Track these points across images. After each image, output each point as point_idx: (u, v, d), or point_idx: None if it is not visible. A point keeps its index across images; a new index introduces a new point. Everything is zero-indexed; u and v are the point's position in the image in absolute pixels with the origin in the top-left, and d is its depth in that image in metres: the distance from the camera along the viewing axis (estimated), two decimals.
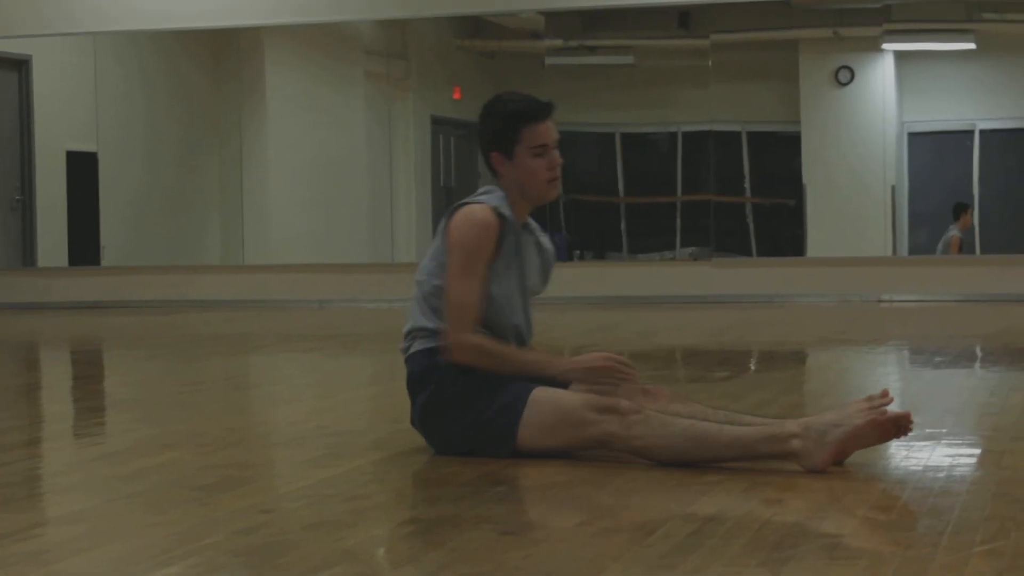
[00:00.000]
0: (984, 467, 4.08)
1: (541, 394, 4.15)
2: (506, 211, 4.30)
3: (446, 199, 16.28)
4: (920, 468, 3.99)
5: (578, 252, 15.48)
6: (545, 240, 4.54)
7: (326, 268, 14.07)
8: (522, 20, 15.19)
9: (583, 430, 4.06)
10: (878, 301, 12.71)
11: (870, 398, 3.86)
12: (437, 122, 16.10)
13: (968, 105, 16.04)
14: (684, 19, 15.20)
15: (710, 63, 15.65)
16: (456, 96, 16.63)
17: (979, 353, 8.22)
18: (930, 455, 4.11)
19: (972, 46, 15.11)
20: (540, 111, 4.41)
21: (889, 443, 3.95)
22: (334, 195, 15.01)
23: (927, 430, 4.41)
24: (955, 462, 4.14)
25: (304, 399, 6.34)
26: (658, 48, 15.65)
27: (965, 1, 14.58)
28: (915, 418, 3.89)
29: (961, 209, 14.76)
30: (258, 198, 15.09)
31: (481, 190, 4.43)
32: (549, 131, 4.39)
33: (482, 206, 4.29)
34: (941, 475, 3.90)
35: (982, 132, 16.01)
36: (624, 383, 4.13)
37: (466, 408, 4.21)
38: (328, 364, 8.36)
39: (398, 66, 15.67)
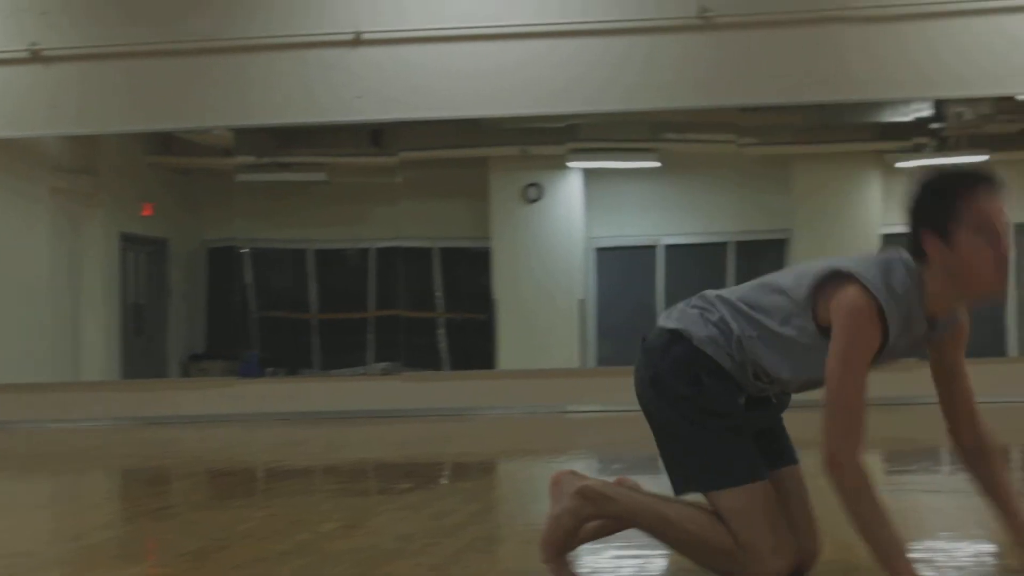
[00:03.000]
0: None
1: (760, 492, 3.65)
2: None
3: (134, 316, 16.10)
4: None
5: (271, 369, 15.46)
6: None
7: (5, 388, 13.69)
8: (213, 137, 15.41)
9: (728, 540, 3.64)
10: (563, 412, 13.03)
11: None
12: (126, 239, 16.08)
13: (652, 221, 16.78)
14: (376, 137, 15.57)
15: (400, 180, 15.92)
16: (146, 213, 16.49)
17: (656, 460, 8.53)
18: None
19: (656, 164, 15.73)
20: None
21: None
22: (15, 314, 14.62)
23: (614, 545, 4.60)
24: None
25: None
26: (350, 165, 16.07)
27: (649, 121, 15.24)
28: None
29: None
30: None
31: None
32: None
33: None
34: None
35: (666, 247, 16.60)
36: None
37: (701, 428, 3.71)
38: (5, 486, 8.17)
39: (86, 182, 15.51)
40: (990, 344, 16.40)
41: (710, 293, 3.80)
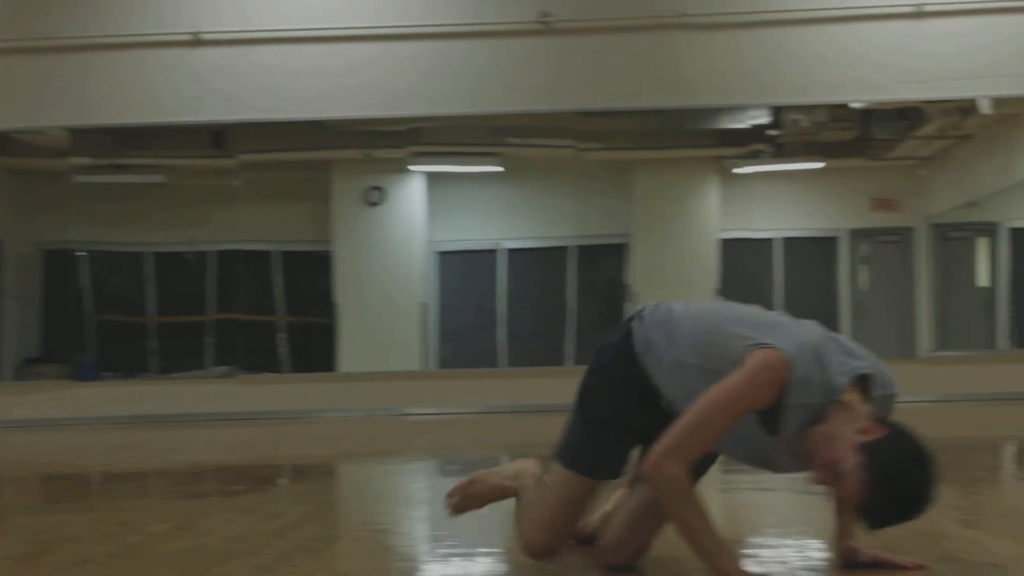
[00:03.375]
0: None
1: (582, 489, 3.80)
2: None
3: None
4: None
5: (108, 372, 15.24)
6: None
7: None
8: (49, 138, 15.10)
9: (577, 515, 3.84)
10: (403, 415, 13.06)
11: None
12: None
13: (494, 225, 16.82)
14: (217, 138, 15.37)
15: (239, 182, 15.81)
16: None
17: (494, 462, 8.61)
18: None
19: (498, 168, 15.81)
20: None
21: None
22: None
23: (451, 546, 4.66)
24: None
25: None
26: (190, 167, 15.80)
27: (491, 126, 15.29)
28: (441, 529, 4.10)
29: None
30: None
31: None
32: None
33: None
34: None
35: (508, 251, 16.69)
36: None
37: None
38: None
39: None
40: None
41: (678, 307, 3.81)
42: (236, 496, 6.78)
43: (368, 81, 13.62)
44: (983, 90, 13.69)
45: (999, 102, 14.42)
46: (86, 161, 15.84)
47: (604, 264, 17.30)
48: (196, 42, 13.60)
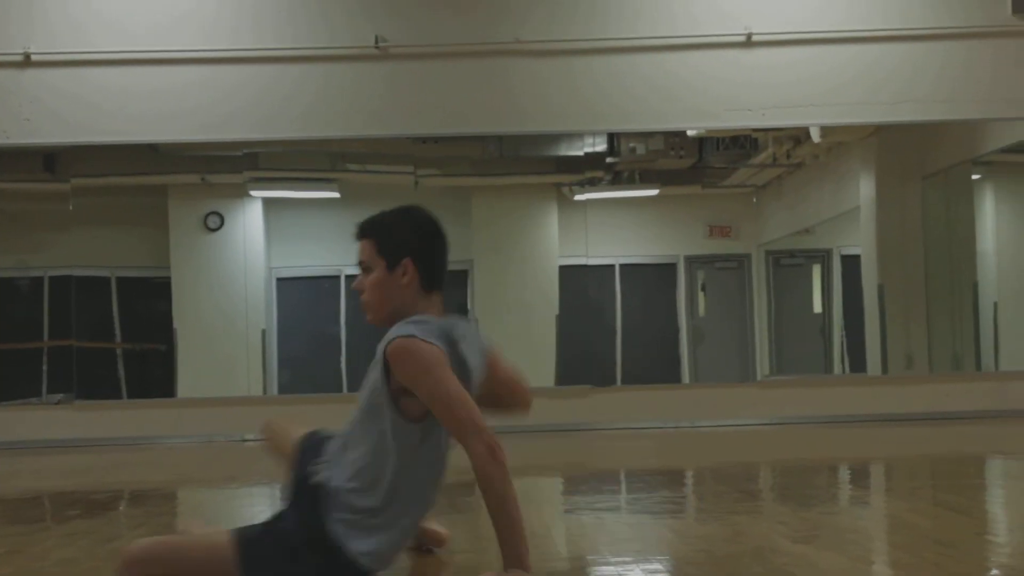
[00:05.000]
0: None
1: None
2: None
3: None
4: None
5: None
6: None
7: None
8: None
9: None
10: (243, 440, 13.07)
11: None
12: None
13: (334, 251, 16.85)
14: (49, 162, 15.15)
15: (71, 207, 15.65)
16: None
17: None
18: None
19: (336, 195, 15.87)
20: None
21: None
22: None
23: None
24: None
25: None
26: (21, 191, 15.53)
27: (329, 152, 15.33)
28: None
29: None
30: None
31: None
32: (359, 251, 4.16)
33: None
34: None
35: (348, 277, 16.78)
36: None
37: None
38: None
39: None
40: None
41: None
42: (70, 521, 6.80)
43: (200, 104, 13.62)
44: (814, 119, 14.09)
45: (829, 131, 14.88)
46: None
47: (448, 289, 17.40)
48: (27, 63, 13.50)
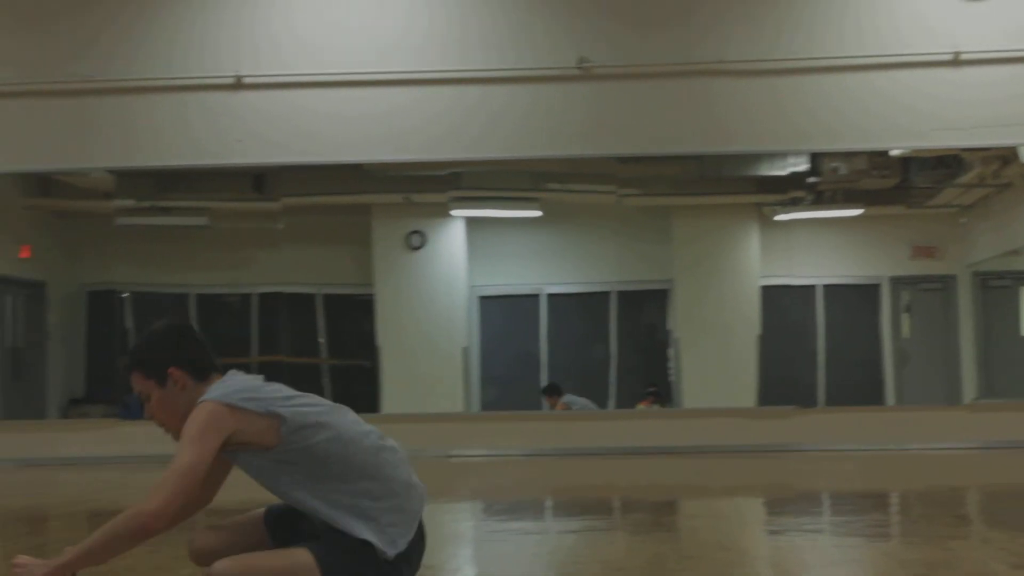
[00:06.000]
0: None
1: None
2: None
3: (12, 360, 15.97)
4: None
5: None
6: None
7: None
8: (93, 180, 15.32)
9: None
10: (447, 456, 13.20)
11: None
12: (3, 281, 15.95)
13: (535, 270, 16.94)
14: (259, 182, 15.55)
15: (282, 226, 15.98)
16: (24, 255, 16.36)
17: (546, 506, 8.82)
18: None
19: (538, 214, 15.97)
20: None
21: None
22: None
23: None
24: None
25: None
26: (232, 210, 16.00)
27: (530, 171, 15.46)
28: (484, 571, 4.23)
29: (554, 392, 15.43)
30: None
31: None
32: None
33: None
34: None
35: (549, 295, 16.82)
36: None
37: None
38: None
39: None
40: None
41: None
42: None
43: (408, 125, 13.82)
44: (1022, 138, 13.80)
45: None
46: (129, 203, 16.05)
47: (645, 309, 17.40)
48: (238, 85, 13.84)
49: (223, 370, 4.36)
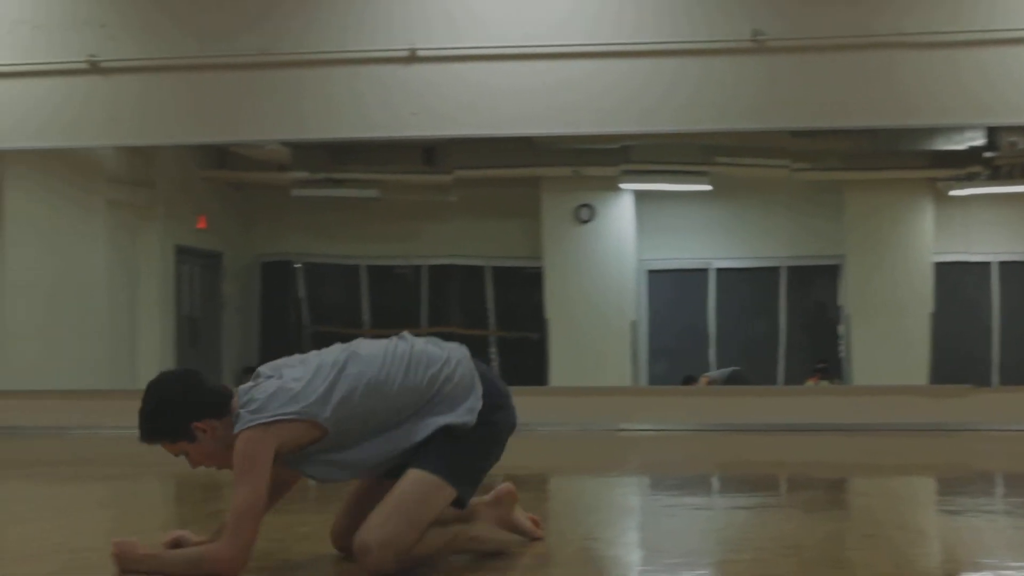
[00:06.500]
0: None
1: None
2: None
3: (189, 328, 16.33)
4: None
5: None
6: None
7: (64, 394, 13.92)
8: (268, 152, 15.59)
9: None
10: (616, 430, 13.18)
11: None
12: (182, 251, 16.32)
13: (704, 244, 16.88)
14: (429, 155, 15.78)
15: (454, 198, 16.10)
16: (201, 226, 16.74)
17: (715, 481, 8.76)
18: None
19: (708, 188, 15.88)
20: None
21: None
22: (73, 322, 14.92)
23: (668, 561, 4.82)
24: None
25: (41, 519, 6.42)
26: (403, 183, 16.24)
27: (700, 144, 15.38)
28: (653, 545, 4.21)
29: (690, 381, 15.41)
30: None
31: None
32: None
33: None
34: None
35: (718, 270, 16.72)
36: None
37: None
38: (66, 489, 8.38)
39: (142, 195, 15.81)
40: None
41: None
42: None
43: (578, 98, 13.78)
44: None
45: None
46: (303, 175, 16.31)
47: (816, 286, 17.23)
48: (411, 59, 13.91)
49: (229, 392, 4.46)
